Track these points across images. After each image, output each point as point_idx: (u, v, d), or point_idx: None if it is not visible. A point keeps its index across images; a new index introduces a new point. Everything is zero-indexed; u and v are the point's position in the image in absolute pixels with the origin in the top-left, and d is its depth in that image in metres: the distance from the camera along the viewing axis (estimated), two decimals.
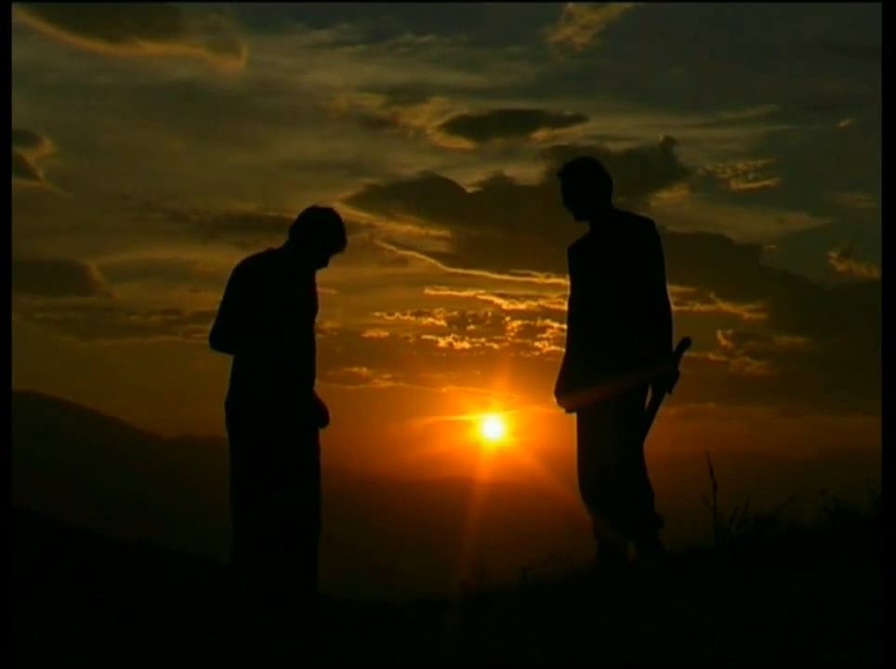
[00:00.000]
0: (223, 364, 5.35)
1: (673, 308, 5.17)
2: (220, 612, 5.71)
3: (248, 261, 5.36)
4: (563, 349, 5.40)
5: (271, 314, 5.25)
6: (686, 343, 5.15)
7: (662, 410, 5.12)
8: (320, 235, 5.39)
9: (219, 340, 5.31)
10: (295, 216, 5.47)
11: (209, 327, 5.36)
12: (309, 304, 5.43)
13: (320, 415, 5.39)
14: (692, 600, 3.95)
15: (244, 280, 5.30)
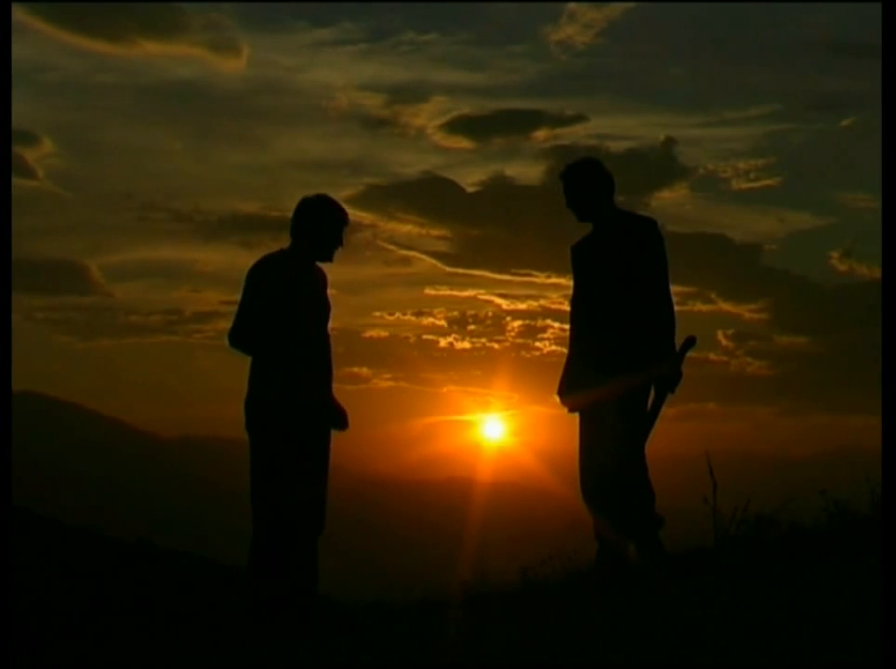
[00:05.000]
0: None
1: (675, 307, 5.17)
2: (223, 611, 5.71)
3: (264, 261, 5.37)
4: (564, 350, 5.40)
5: (289, 314, 5.26)
6: (690, 342, 5.15)
7: (663, 410, 5.12)
8: (325, 220, 5.39)
9: (239, 339, 5.31)
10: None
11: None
12: (324, 303, 5.44)
13: (339, 418, 5.40)
14: (692, 600, 3.96)
15: (261, 280, 5.30)
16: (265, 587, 5.16)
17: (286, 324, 5.25)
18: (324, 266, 5.51)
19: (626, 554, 5.06)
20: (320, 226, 5.39)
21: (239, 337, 5.31)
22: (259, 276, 5.32)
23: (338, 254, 5.48)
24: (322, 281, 5.47)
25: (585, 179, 5.27)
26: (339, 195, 5.61)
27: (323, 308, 5.44)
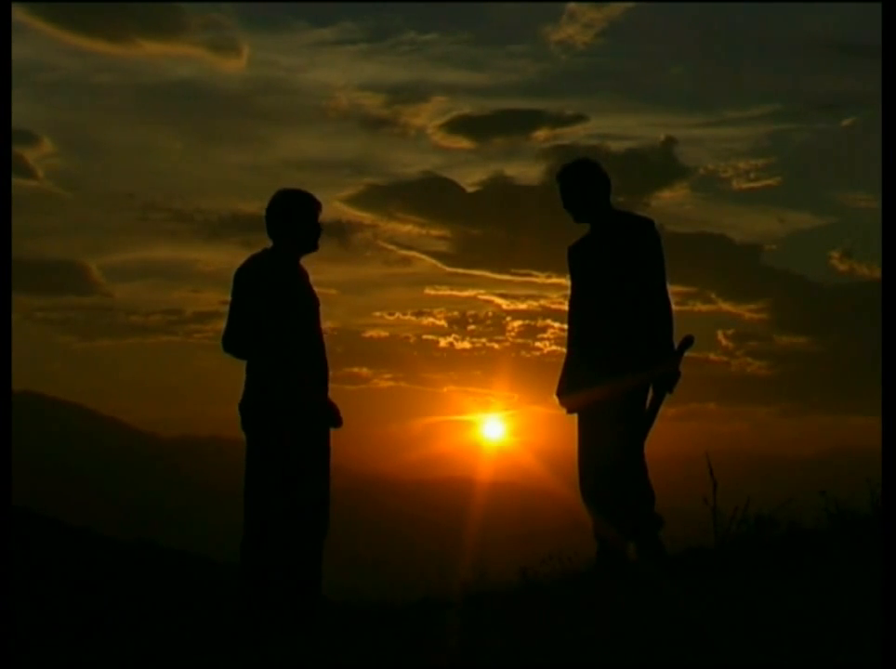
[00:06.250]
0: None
1: (674, 307, 5.17)
2: (224, 611, 5.71)
3: (250, 262, 5.35)
4: (564, 349, 5.39)
5: (283, 315, 5.24)
6: (688, 341, 5.15)
7: (662, 410, 5.12)
8: (302, 212, 5.38)
9: (232, 344, 5.30)
10: None
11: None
12: (314, 299, 5.43)
13: (333, 416, 5.39)
14: (692, 600, 3.95)
15: (250, 281, 5.28)
16: (256, 588, 5.16)
17: (280, 326, 5.24)
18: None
19: (626, 554, 5.06)
20: (301, 219, 5.37)
21: (232, 343, 5.29)
22: (248, 278, 5.29)
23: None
24: (306, 276, 5.47)
25: (581, 180, 5.26)
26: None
27: (314, 305, 5.43)
